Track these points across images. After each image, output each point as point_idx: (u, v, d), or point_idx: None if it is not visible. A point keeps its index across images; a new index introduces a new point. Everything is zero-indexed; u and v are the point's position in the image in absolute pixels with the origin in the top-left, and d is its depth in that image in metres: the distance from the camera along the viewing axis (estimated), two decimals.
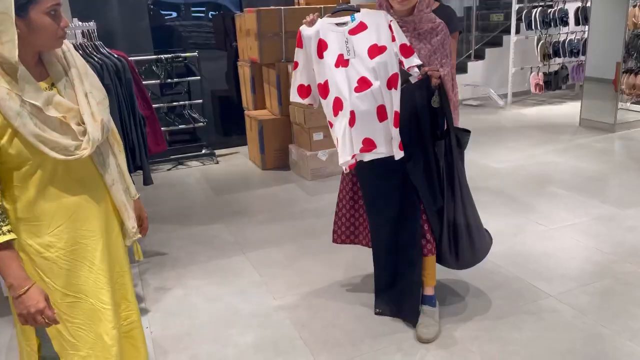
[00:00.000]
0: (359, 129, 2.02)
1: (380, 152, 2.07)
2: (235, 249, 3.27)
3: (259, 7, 4.64)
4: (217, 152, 5.43)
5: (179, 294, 2.77)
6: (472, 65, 7.40)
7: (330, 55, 2.06)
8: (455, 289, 2.67)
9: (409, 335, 2.29)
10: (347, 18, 2.11)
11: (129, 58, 2.85)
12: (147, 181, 2.93)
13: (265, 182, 4.56)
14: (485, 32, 7.73)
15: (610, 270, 2.77)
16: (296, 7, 5.17)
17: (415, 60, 2.04)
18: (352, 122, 2.01)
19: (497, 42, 7.48)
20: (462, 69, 7.38)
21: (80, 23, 2.58)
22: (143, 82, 4.79)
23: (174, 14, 6.24)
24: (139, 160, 2.73)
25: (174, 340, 2.37)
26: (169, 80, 5.00)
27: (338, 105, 2.03)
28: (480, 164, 4.67)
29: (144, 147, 2.72)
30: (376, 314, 2.46)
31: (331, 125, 2.11)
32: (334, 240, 2.53)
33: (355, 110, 2.01)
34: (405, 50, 2.04)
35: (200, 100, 5.29)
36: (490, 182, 4.20)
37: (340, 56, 2.05)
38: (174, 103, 5.26)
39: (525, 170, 4.46)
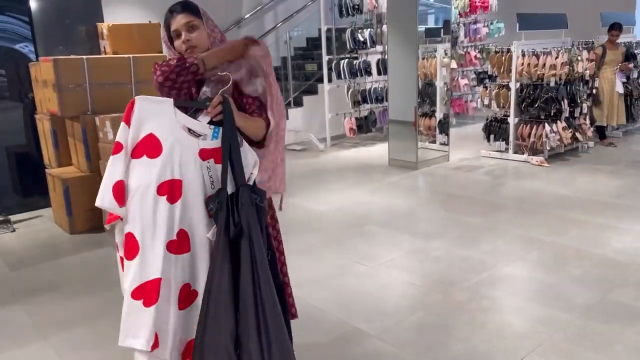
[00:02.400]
0: None
1: None
2: (33, 335, 2.78)
3: (56, 56, 4.21)
4: (14, 217, 4.70)
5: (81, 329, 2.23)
6: (292, 112, 7.72)
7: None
8: None
9: None
10: (205, 126, 1.55)
11: None
12: None
13: (74, 248, 4.05)
14: (302, 80, 8.18)
15: (422, 302, 2.99)
16: (102, 56, 4.82)
17: None
18: None
19: (313, 90, 7.95)
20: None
21: None
22: None
23: None
24: None
25: None
26: None
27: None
28: (305, 208, 4.80)
29: None
30: None
31: None
32: None
33: None
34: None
35: None
36: (315, 225, 4.32)
37: (178, 184, 1.49)
38: None
39: (345, 211, 4.70)
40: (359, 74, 7.59)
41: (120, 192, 1.46)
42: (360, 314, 2.86)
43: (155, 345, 1.45)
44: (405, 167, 6.20)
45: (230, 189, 1.51)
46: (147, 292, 1.43)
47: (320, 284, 3.25)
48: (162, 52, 5.00)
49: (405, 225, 4.27)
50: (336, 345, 2.58)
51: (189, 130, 1.52)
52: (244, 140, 1.60)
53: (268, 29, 8.44)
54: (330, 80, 7.56)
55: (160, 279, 1.43)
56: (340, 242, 3.95)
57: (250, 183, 1.56)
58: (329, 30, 7.54)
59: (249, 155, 1.59)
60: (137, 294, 1.43)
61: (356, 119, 7.69)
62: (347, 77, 7.49)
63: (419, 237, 3.97)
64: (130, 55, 4.40)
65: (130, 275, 1.44)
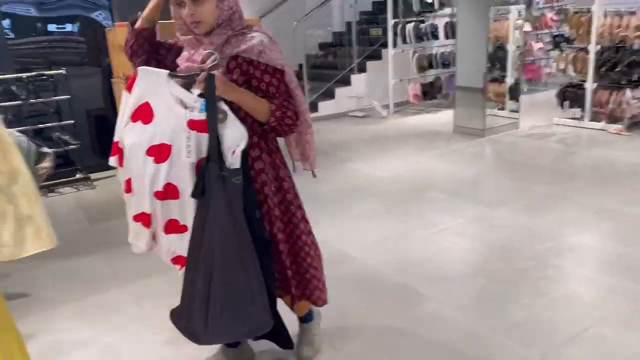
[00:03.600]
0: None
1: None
2: (112, 282, 3.02)
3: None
4: (94, 176, 5.04)
5: (46, 341, 2.48)
6: (355, 77, 7.66)
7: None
8: (345, 300, 2.68)
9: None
10: (195, 98, 1.65)
11: None
12: None
13: None
14: (366, 46, 8.05)
15: (483, 269, 2.96)
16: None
17: None
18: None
19: (377, 56, 7.82)
20: (346, 81, 7.61)
21: None
22: (1, 104, 4.35)
23: (40, 30, 5.75)
24: None
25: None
26: (32, 100, 4.55)
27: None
28: (367, 173, 4.80)
29: None
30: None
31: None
32: None
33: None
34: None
35: (72, 121, 4.89)
36: (375, 190, 4.33)
37: (166, 148, 1.66)
38: (41, 125, 4.81)
39: (407, 177, 4.66)
40: (425, 38, 7.37)
41: (115, 150, 1.78)
42: (419, 278, 2.87)
43: (154, 247, 1.85)
44: (471, 134, 6.02)
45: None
46: (143, 219, 1.77)
47: (380, 247, 3.28)
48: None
49: (468, 193, 4.19)
50: (396, 306, 2.61)
51: (181, 101, 1.66)
52: (228, 115, 1.65)
53: None
54: (395, 45, 7.40)
55: (150, 214, 1.75)
56: (401, 207, 3.94)
57: (236, 155, 1.66)
58: None
59: (235, 130, 1.67)
60: (137, 218, 1.78)
61: (421, 85, 7.51)
62: (412, 41, 7.30)
63: (483, 205, 3.89)
64: None
65: (132, 205, 1.79)
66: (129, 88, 1.68)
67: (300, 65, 7.84)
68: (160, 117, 1.65)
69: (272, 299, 1.84)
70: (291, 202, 1.94)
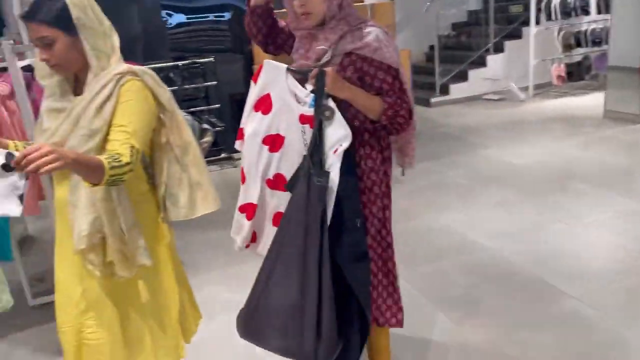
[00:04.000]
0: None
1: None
2: (249, 256, 3.28)
3: (275, 11, 4.64)
4: (236, 155, 5.47)
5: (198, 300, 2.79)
6: (491, 58, 7.27)
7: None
8: (475, 290, 2.63)
9: None
10: (306, 93, 1.67)
11: (145, 67, 2.88)
12: None
13: None
14: (504, 24, 7.59)
15: (634, 267, 2.70)
16: None
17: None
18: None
19: (516, 35, 7.33)
20: (481, 63, 7.27)
21: None
22: None
23: (191, 19, 6.31)
24: None
25: (193, 348, 2.39)
26: (187, 86, 5.05)
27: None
28: (500, 160, 4.59)
29: None
30: None
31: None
32: None
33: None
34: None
35: (218, 105, 5.33)
36: (511, 179, 4.12)
37: (280, 139, 1.71)
38: (192, 109, 5.31)
39: (547, 165, 4.36)
40: (573, 13, 6.73)
41: (240, 135, 1.80)
42: (558, 273, 2.71)
43: (253, 241, 1.84)
44: (624, 119, 5.42)
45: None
46: (247, 210, 1.79)
47: (514, 238, 3.14)
48: (362, 1, 5.12)
49: (618, 184, 3.81)
50: (530, 302, 2.51)
51: (295, 95, 1.68)
52: (334, 113, 1.62)
53: None
54: (537, 23, 6.86)
55: (256, 205, 1.76)
56: (539, 197, 3.71)
57: (338, 154, 1.61)
58: None
59: (339, 129, 1.63)
60: (241, 209, 1.81)
61: (566, 65, 6.90)
62: (558, 17, 6.71)
63: (635, 199, 3.51)
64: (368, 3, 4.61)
65: (240, 195, 1.81)
66: (255, 79, 1.74)
67: (432, 47, 7.66)
68: (277, 108, 1.69)
69: (363, 327, 1.76)
70: (387, 206, 1.83)
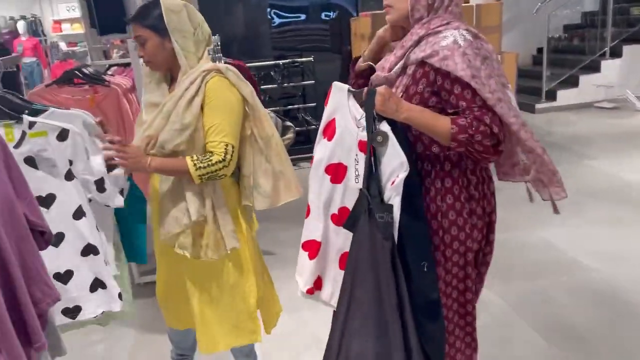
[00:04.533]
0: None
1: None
2: None
3: (374, 11, 4.65)
4: None
5: (285, 296, 2.87)
6: (606, 64, 6.74)
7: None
8: (576, 315, 2.46)
9: None
10: (362, 115, 1.46)
11: (248, 65, 3.03)
12: None
13: None
14: (624, 27, 6.99)
15: None
16: None
17: None
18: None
19: (637, 39, 6.72)
20: (594, 68, 6.76)
21: None
22: (262, 87, 5.08)
23: (293, 19, 6.47)
24: None
25: (278, 341, 2.46)
26: (286, 84, 5.20)
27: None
28: (610, 174, 4.24)
29: None
30: None
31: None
32: None
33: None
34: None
35: (315, 104, 5.43)
36: (622, 195, 3.80)
37: (342, 168, 1.52)
38: (289, 106, 5.46)
39: None
40: None
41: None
42: None
43: (317, 287, 1.62)
44: None
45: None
46: (310, 249, 1.60)
47: (627, 262, 2.89)
48: (468, 2, 4.97)
49: None
50: None
51: (355, 118, 1.48)
52: (388, 138, 1.39)
53: None
54: None
55: (320, 243, 1.58)
56: None
57: (395, 186, 1.40)
58: None
59: (393, 157, 1.40)
60: (305, 246, 1.62)
61: None
62: None
63: None
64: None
65: (304, 230, 1.63)
66: (326, 102, 1.58)
67: (540, 49, 7.24)
68: (339, 134, 1.51)
69: None
70: (469, 249, 1.53)
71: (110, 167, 1.49)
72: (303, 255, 1.63)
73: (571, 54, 7.26)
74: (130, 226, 1.68)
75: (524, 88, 6.90)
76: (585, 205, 3.68)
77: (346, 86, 1.50)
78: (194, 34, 1.58)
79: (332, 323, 1.52)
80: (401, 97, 1.44)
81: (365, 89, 1.45)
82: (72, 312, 1.51)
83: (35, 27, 10.26)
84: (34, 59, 8.71)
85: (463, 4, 5.10)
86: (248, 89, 1.62)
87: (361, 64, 1.63)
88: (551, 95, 6.71)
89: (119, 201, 1.52)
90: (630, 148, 4.88)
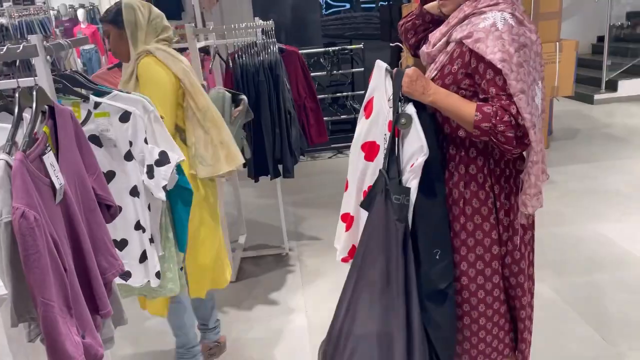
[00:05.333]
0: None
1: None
2: None
3: None
4: None
5: (332, 280, 2.90)
6: None
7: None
8: (635, 311, 2.36)
9: None
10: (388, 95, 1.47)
11: (300, 51, 3.03)
12: (286, 174, 2.90)
13: None
14: None
15: None
16: None
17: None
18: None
19: None
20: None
21: (261, 22, 2.82)
22: (312, 74, 5.09)
23: (345, 6, 6.44)
24: (279, 153, 2.75)
25: (325, 324, 2.49)
26: (335, 72, 5.19)
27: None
28: None
29: (288, 143, 2.74)
30: None
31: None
32: None
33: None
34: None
35: (363, 92, 5.39)
36: None
37: (376, 147, 1.53)
38: (338, 94, 5.45)
39: None
40: None
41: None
42: None
43: (351, 256, 1.61)
44: None
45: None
46: (347, 220, 1.63)
47: None
48: None
49: None
50: None
51: (389, 98, 1.46)
52: (412, 121, 1.37)
53: None
54: None
55: (353, 216, 1.59)
56: None
57: (414, 170, 1.37)
58: None
59: (414, 141, 1.37)
60: (343, 218, 1.65)
61: None
62: None
63: None
64: None
65: (343, 202, 1.65)
66: (369, 80, 1.58)
67: (601, 38, 6.90)
68: (376, 113, 1.51)
69: None
70: (494, 242, 1.48)
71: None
72: (341, 225, 1.66)
73: (634, 42, 6.88)
74: (174, 215, 1.73)
75: (582, 78, 6.59)
76: None
77: (385, 65, 1.49)
78: (145, 26, 1.82)
79: (339, 299, 1.52)
80: (435, 75, 1.42)
81: (396, 69, 1.42)
82: (125, 275, 1.59)
83: (93, 15, 10.64)
84: (92, 46, 9.04)
85: None
86: (178, 66, 1.82)
87: (432, 10, 1.53)
88: (611, 86, 6.40)
89: (162, 195, 1.56)
90: None
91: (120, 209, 1.45)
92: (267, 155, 2.68)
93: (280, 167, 2.80)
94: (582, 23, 7.09)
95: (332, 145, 5.38)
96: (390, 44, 5.12)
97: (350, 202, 1.59)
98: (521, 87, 1.28)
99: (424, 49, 1.48)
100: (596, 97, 6.38)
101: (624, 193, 3.67)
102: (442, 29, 1.44)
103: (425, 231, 1.41)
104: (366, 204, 1.47)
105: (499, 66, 1.28)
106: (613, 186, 3.78)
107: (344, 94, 5.42)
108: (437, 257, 1.42)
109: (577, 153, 4.60)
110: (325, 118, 5.15)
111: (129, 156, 1.52)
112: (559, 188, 3.80)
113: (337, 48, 5.17)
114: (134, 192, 1.54)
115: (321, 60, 5.15)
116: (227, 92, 2.19)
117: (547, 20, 4.53)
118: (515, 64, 1.28)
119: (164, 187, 1.56)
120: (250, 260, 3.20)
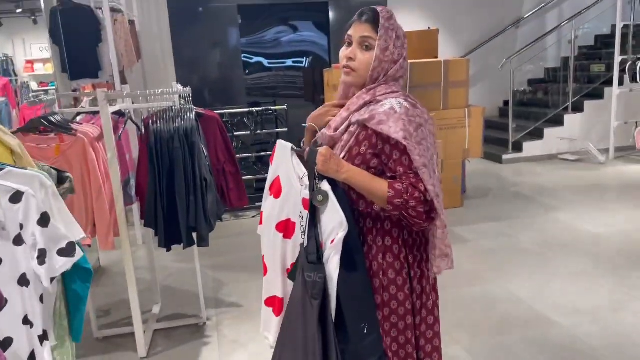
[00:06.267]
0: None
1: None
2: None
3: None
4: None
5: (251, 351, 2.78)
6: (569, 118, 7.01)
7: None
8: None
9: None
10: (304, 172, 1.50)
11: (223, 111, 3.00)
12: (201, 242, 2.72)
13: None
14: (584, 83, 7.33)
15: None
16: None
17: None
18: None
19: (597, 94, 7.05)
20: (558, 121, 7.02)
21: (179, 87, 2.80)
22: (235, 133, 5.09)
23: (268, 67, 6.58)
24: (193, 221, 2.63)
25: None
26: (259, 131, 5.22)
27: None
28: (576, 226, 4.33)
29: (202, 210, 2.63)
30: None
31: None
32: None
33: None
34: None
35: None
36: (587, 248, 3.87)
37: (292, 224, 1.55)
38: (262, 153, 5.47)
39: (630, 236, 4.06)
40: None
41: (261, 221, 1.65)
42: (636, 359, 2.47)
43: None
44: None
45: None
46: (274, 305, 1.61)
47: (589, 316, 2.91)
48: (437, 57, 5.16)
49: None
50: None
51: (299, 176, 1.51)
52: (329, 197, 1.41)
53: (550, 28, 7.82)
54: (621, 84, 6.58)
55: (282, 298, 1.58)
56: (619, 272, 3.45)
57: (334, 246, 1.39)
58: (625, 27, 6.56)
59: (333, 216, 1.40)
60: (268, 302, 1.63)
61: None
62: None
63: None
64: (410, 61, 4.66)
65: (264, 287, 1.64)
66: (271, 159, 1.61)
67: (506, 102, 7.51)
68: (286, 192, 1.53)
69: None
70: (408, 312, 1.52)
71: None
72: (267, 311, 1.63)
73: (536, 107, 7.55)
74: (69, 298, 1.56)
75: (491, 139, 7.10)
76: (551, 258, 3.74)
77: (289, 144, 1.55)
78: None
79: None
80: (344, 156, 1.48)
81: (307, 148, 1.48)
82: None
83: (6, 67, 10.16)
84: (3, 99, 8.57)
85: (432, 60, 5.31)
86: (14, 142, 1.66)
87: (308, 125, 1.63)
88: (517, 147, 6.91)
89: (48, 284, 1.40)
90: (594, 201, 5.02)
91: (6, 301, 1.31)
92: (180, 223, 2.59)
93: (194, 235, 2.70)
94: (488, 89, 7.71)
95: (257, 204, 5.33)
96: (303, 124, 5.26)
97: (276, 284, 1.58)
98: (423, 161, 1.39)
99: (325, 131, 1.53)
100: (504, 157, 6.85)
101: (533, 251, 3.88)
102: (343, 114, 1.51)
103: (350, 305, 1.42)
104: (292, 277, 1.50)
105: (405, 143, 1.38)
106: (523, 245, 3.99)
107: (268, 153, 5.44)
108: (365, 331, 1.42)
109: (489, 211, 4.85)
110: (249, 177, 5.17)
111: (18, 240, 1.38)
112: (472, 247, 3.96)
113: (261, 109, 5.23)
114: (23, 280, 1.39)
115: (245, 120, 5.18)
116: (52, 169, 2.10)
117: (456, 89, 4.86)
118: (416, 142, 1.39)
119: (52, 278, 1.41)
120: (164, 332, 3.01)
